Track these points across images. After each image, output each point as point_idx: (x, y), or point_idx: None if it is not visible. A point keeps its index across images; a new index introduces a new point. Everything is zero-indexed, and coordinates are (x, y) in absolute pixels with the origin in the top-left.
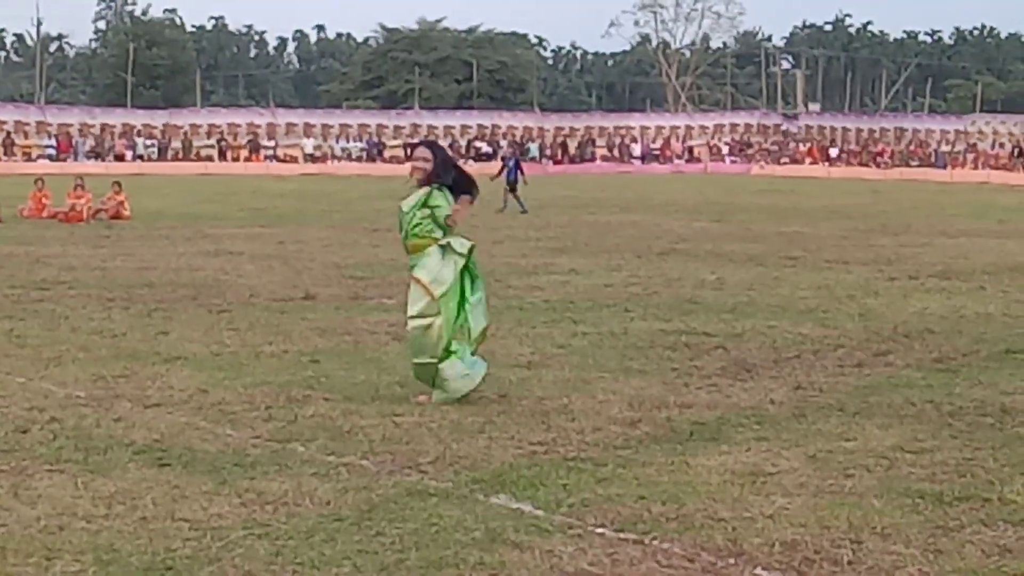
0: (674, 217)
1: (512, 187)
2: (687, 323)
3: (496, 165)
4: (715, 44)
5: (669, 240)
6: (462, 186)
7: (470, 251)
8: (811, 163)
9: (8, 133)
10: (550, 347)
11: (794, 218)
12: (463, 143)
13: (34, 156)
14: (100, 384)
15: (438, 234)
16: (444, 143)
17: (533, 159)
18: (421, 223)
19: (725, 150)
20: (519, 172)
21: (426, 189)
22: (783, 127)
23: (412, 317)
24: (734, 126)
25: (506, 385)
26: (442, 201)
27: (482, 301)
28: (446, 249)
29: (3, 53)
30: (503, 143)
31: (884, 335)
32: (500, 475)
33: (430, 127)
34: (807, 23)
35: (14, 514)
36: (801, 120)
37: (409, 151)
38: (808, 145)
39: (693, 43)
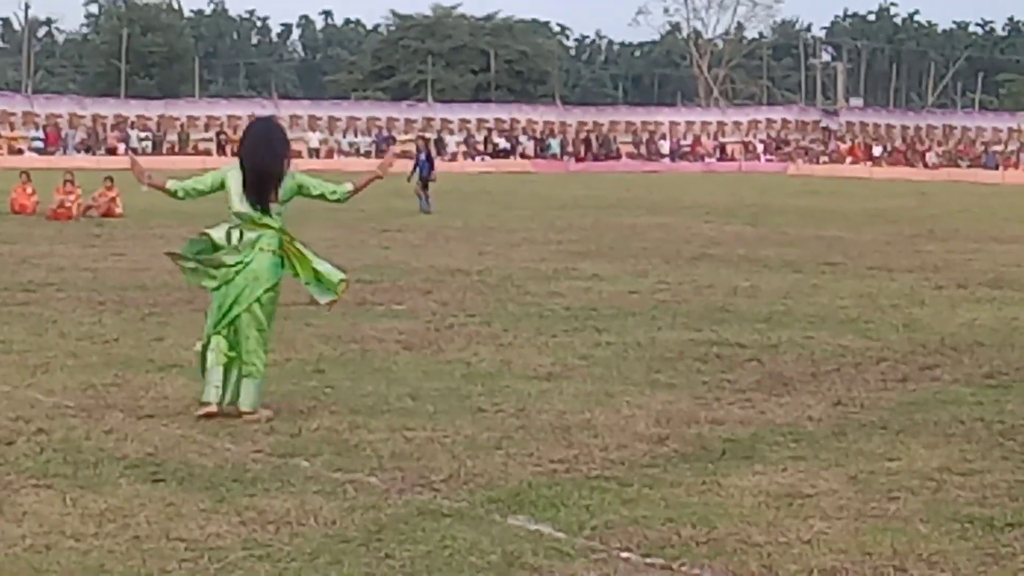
0: (705, 219)
1: (425, 184)
2: (719, 333)
3: (516, 162)
4: (750, 34)
5: (700, 244)
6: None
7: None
8: (852, 162)
9: None
10: (572, 358)
11: (834, 221)
12: (479, 138)
13: (21, 149)
14: (90, 393)
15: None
16: (459, 137)
17: (554, 156)
18: None
19: (760, 148)
20: (431, 168)
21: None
22: (823, 123)
23: None
24: (770, 122)
25: (525, 398)
26: None
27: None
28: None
29: None
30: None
31: (930, 348)
32: (518, 494)
33: (444, 120)
34: (849, 12)
35: None
36: (842, 116)
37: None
38: (849, 143)
39: (727, 33)
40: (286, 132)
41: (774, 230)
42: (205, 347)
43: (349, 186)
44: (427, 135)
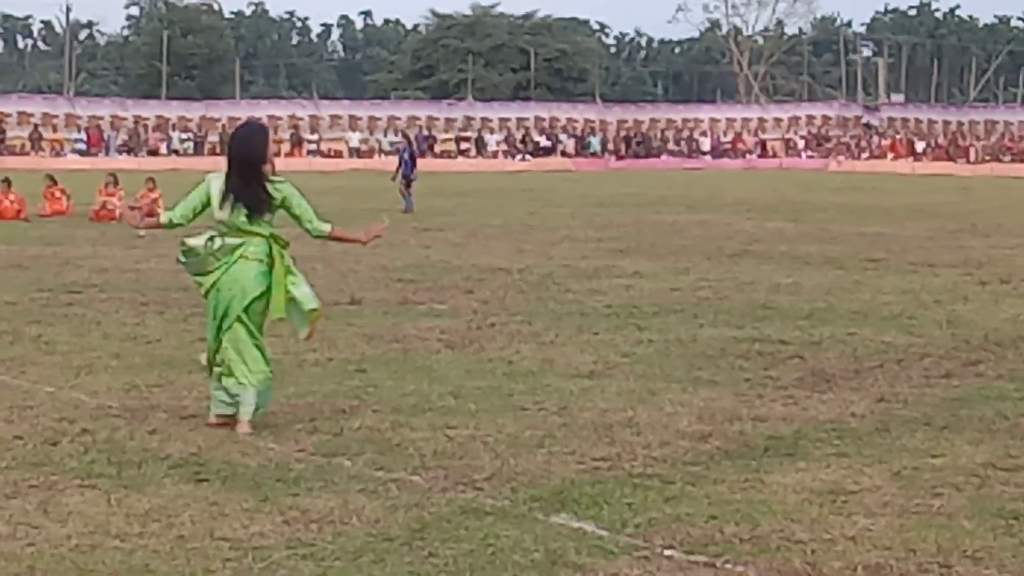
0: (746, 216)
1: (408, 182)
2: (761, 330)
3: (557, 160)
4: (790, 30)
5: (741, 241)
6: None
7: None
8: (894, 158)
9: (36, 126)
10: (613, 356)
11: (876, 217)
12: (519, 136)
13: (63, 151)
14: (134, 394)
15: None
16: (499, 136)
17: (594, 154)
18: None
19: (801, 144)
20: (413, 167)
21: None
22: (864, 119)
23: None
24: (811, 118)
25: (567, 396)
26: None
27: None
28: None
29: (30, 41)
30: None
31: (974, 343)
32: (561, 493)
33: (484, 119)
34: (889, 7)
35: (43, 532)
36: (883, 112)
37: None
38: (891, 139)
39: (767, 29)
40: (268, 134)
41: (816, 226)
42: (211, 361)
43: (328, 228)
44: (410, 132)
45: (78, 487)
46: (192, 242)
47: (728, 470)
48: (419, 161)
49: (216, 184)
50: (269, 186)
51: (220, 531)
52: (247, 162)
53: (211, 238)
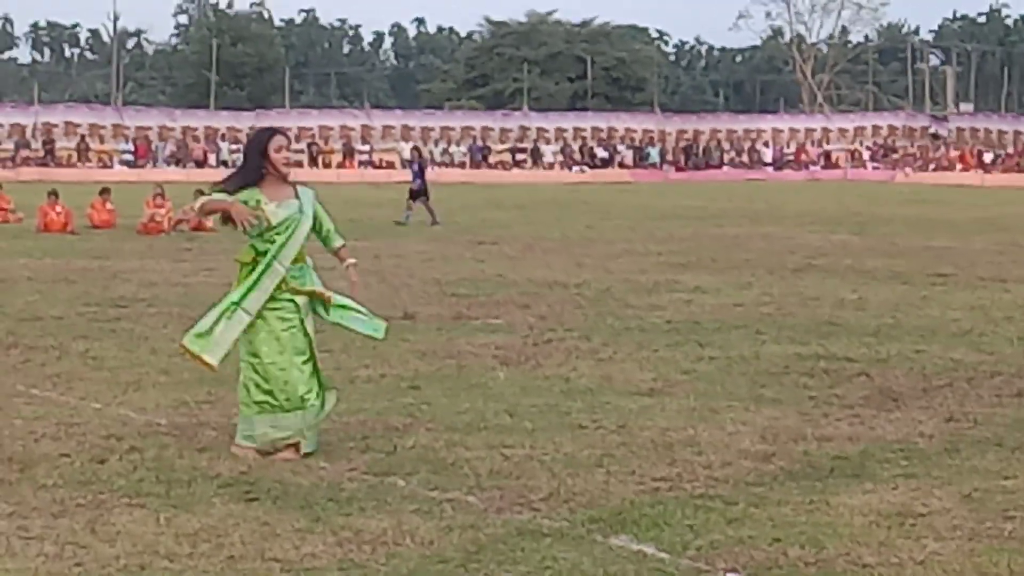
0: (810, 229)
1: (414, 195)
2: (825, 347)
3: (614, 172)
4: (855, 38)
5: (804, 255)
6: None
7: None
8: (963, 170)
9: (83, 137)
10: (674, 373)
11: (944, 231)
12: (576, 147)
13: (111, 162)
14: (183, 411)
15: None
16: (555, 147)
17: (653, 165)
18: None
19: (866, 155)
20: (423, 179)
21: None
22: (931, 129)
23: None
24: (876, 128)
25: (626, 414)
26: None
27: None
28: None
29: (77, 51)
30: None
31: None
32: (620, 514)
33: (539, 129)
34: (958, 14)
35: (92, 552)
36: (951, 122)
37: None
38: (959, 150)
39: (831, 37)
40: (275, 140)
41: (882, 240)
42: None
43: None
44: (421, 146)
45: (126, 506)
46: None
47: (792, 491)
48: (473, 172)
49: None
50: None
51: (271, 552)
52: (239, 167)
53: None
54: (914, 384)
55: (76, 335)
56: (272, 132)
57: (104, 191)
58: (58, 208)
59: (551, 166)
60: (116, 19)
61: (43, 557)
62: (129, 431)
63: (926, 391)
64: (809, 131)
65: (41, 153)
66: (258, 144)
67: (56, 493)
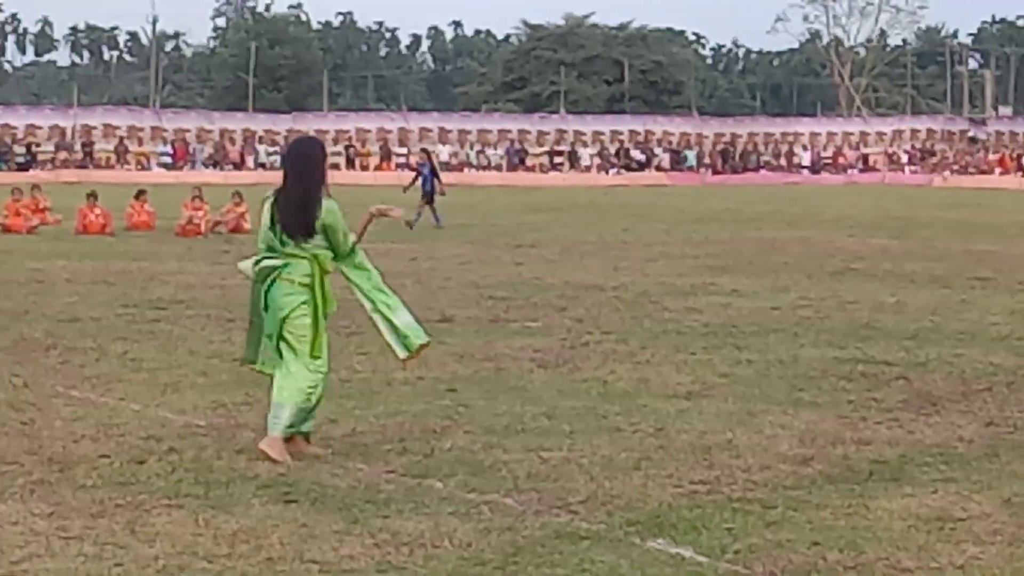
0: (848, 233)
1: (429, 198)
2: (864, 351)
3: (651, 175)
4: (894, 41)
5: (843, 259)
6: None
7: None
8: (1002, 173)
9: (121, 139)
10: (711, 376)
11: (983, 235)
12: (613, 150)
13: (149, 164)
14: (221, 412)
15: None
16: (592, 150)
17: (690, 168)
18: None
19: (905, 159)
20: (436, 181)
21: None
22: (970, 133)
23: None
24: (915, 132)
25: (663, 418)
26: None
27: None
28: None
29: (116, 53)
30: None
31: None
32: (658, 517)
33: (577, 132)
34: (997, 18)
35: (131, 553)
36: (990, 126)
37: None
38: (999, 153)
39: (869, 40)
40: (323, 154)
41: (920, 243)
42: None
43: (353, 237)
44: (430, 148)
45: (165, 507)
46: (242, 265)
47: (831, 495)
48: (510, 175)
49: (267, 207)
50: (317, 208)
51: (309, 553)
52: (300, 196)
53: (258, 261)
54: (953, 388)
55: (115, 337)
56: (322, 144)
57: (140, 193)
58: (97, 210)
59: (588, 169)
60: (155, 22)
61: (83, 557)
62: (168, 432)
63: (965, 395)
64: (847, 135)
65: (80, 155)
66: (322, 155)
67: (95, 494)
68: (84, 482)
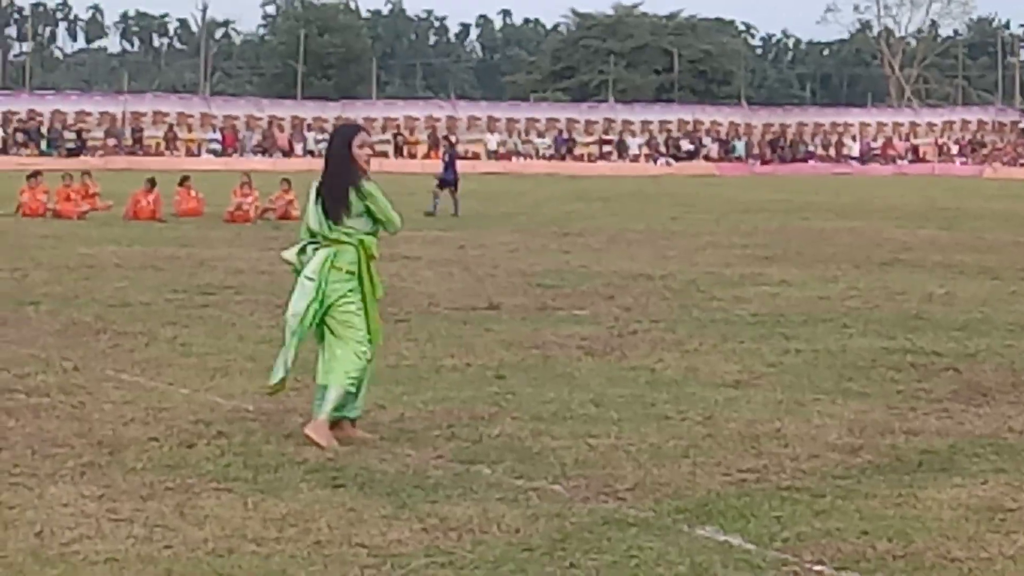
0: (897, 224)
1: (443, 184)
2: (913, 341)
3: (700, 164)
4: (945, 32)
5: (892, 249)
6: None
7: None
8: None
9: (171, 126)
10: (760, 365)
11: None
12: (661, 139)
13: (198, 151)
14: (269, 397)
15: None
16: (641, 139)
17: (739, 158)
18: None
19: (955, 150)
20: (453, 170)
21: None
22: (1021, 124)
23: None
24: (965, 123)
25: (712, 406)
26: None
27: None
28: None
29: (166, 40)
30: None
31: None
32: (706, 504)
33: (625, 122)
34: None
35: (180, 535)
36: None
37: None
38: None
39: (920, 31)
40: (353, 135)
41: (970, 235)
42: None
43: (398, 219)
44: (452, 137)
45: (214, 490)
46: (287, 255)
47: (880, 485)
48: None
49: (310, 194)
50: (352, 190)
51: (358, 537)
52: (332, 180)
53: (302, 249)
54: (1003, 379)
55: (164, 321)
56: (356, 129)
57: (184, 180)
58: (151, 196)
59: (636, 158)
60: (205, 9)
61: (132, 539)
62: (217, 416)
63: (1015, 386)
64: (897, 125)
65: (130, 142)
66: (352, 134)
67: (145, 477)
68: (134, 465)
